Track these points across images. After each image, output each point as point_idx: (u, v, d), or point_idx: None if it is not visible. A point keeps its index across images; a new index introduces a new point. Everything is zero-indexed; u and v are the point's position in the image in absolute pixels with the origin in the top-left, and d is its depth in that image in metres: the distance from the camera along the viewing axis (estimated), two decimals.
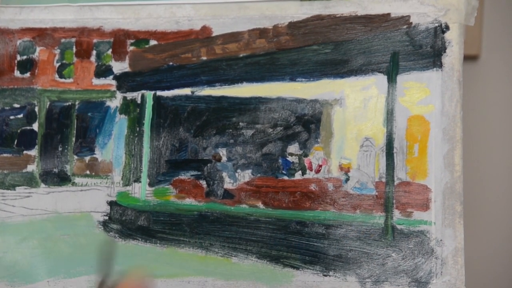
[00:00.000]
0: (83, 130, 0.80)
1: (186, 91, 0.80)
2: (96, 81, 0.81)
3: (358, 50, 0.78)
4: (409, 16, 0.78)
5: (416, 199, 0.75)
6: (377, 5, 0.78)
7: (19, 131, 0.81)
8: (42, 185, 0.80)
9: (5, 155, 0.81)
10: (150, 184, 0.79)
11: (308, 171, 0.77)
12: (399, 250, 0.75)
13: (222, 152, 0.78)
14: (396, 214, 0.75)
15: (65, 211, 0.79)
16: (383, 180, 0.76)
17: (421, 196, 0.75)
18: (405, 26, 0.78)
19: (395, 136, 0.77)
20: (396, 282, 0.74)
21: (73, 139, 0.80)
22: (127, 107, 0.80)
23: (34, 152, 0.80)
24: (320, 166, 0.77)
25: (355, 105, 0.78)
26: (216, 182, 0.77)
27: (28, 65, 0.81)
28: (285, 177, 0.78)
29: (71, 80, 0.81)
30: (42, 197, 0.79)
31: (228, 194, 0.77)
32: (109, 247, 0.71)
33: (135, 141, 0.79)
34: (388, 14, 0.78)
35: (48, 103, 0.81)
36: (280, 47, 0.79)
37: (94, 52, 0.81)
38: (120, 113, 0.80)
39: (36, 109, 0.81)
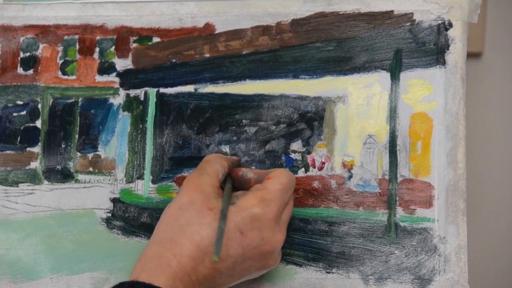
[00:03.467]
0: (86, 127, 0.80)
1: (189, 88, 0.80)
2: (99, 78, 0.81)
3: (361, 47, 0.78)
4: (412, 14, 0.78)
5: (419, 196, 0.75)
6: (380, 2, 0.78)
7: (22, 128, 0.81)
8: (45, 182, 0.80)
9: (8, 152, 0.80)
10: (153, 181, 0.79)
11: (311, 168, 0.77)
12: (402, 247, 0.75)
13: (225, 149, 0.78)
14: (399, 211, 0.75)
15: (68, 208, 0.79)
16: (386, 177, 0.76)
17: (424, 194, 0.75)
18: (408, 24, 0.77)
19: (398, 134, 0.76)
20: (399, 279, 0.74)
21: (76, 136, 0.80)
22: (130, 104, 0.80)
23: (37, 149, 0.80)
24: (323, 163, 0.77)
25: (358, 103, 0.78)
26: None
27: (31, 62, 0.81)
28: None
29: (74, 77, 0.81)
30: (45, 194, 0.79)
31: None
32: None
33: (138, 138, 0.79)
34: (391, 11, 0.78)
35: (51, 100, 0.81)
36: (283, 45, 0.79)
37: (97, 49, 0.81)
38: (123, 110, 0.80)
39: (39, 106, 0.81)
